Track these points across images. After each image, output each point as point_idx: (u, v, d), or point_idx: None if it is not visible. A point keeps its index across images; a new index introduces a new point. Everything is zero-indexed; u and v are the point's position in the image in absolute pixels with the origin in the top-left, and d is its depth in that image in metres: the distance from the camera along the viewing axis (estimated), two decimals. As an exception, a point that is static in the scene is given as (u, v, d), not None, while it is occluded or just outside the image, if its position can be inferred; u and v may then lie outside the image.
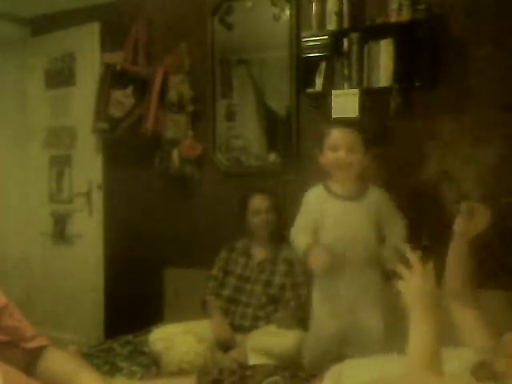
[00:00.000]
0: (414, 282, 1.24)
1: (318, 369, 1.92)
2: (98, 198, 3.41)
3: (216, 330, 2.44)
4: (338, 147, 2.07)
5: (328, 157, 2.10)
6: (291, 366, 2.02)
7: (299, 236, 2.17)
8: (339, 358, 1.95)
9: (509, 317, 2.10)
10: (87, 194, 3.43)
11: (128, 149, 3.18)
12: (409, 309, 1.25)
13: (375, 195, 2.14)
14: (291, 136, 2.78)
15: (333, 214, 2.12)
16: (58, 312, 3.53)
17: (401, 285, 1.26)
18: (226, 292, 2.58)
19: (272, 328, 2.40)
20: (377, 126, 2.44)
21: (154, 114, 3.00)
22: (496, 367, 1.30)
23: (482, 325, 1.61)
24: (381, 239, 2.14)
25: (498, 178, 2.25)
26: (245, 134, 2.96)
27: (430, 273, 1.25)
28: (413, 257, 1.25)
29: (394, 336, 2.13)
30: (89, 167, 3.43)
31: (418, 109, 2.43)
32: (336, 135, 2.10)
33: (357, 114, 2.34)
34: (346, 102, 2.39)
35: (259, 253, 2.61)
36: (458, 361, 1.35)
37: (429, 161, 2.39)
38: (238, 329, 2.48)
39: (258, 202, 2.59)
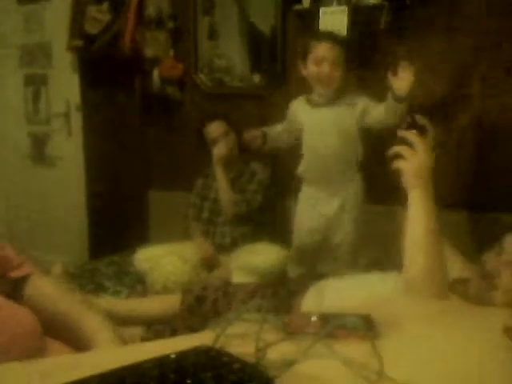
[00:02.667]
0: (416, 159, 1.29)
1: (301, 286, 1.98)
2: (76, 118, 3.33)
3: (200, 251, 2.49)
4: (323, 61, 2.08)
5: (311, 70, 2.12)
6: (274, 284, 2.08)
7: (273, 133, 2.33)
8: (320, 276, 2.02)
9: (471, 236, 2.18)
10: (65, 115, 3.34)
11: (107, 68, 3.07)
12: (410, 187, 1.30)
13: (359, 101, 2.15)
14: (276, 56, 2.69)
15: (308, 119, 2.20)
16: (41, 233, 3.54)
17: (402, 164, 1.30)
18: (205, 215, 2.63)
19: (255, 246, 2.44)
20: (365, 45, 2.39)
21: (131, 30, 2.86)
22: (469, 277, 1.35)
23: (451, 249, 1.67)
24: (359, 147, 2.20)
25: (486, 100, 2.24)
26: (228, 54, 2.86)
27: (428, 149, 1.31)
28: (412, 136, 1.31)
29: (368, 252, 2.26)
30: (66, 87, 3.32)
31: (407, 27, 2.35)
32: (321, 49, 2.09)
33: (345, 32, 2.26)
34: (334, 20, 2.29)
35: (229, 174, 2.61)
36: None
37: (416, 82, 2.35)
38: (220, 248, 2.53)
39: (214, 129, 2.55)
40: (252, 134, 2.32)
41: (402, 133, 1.33)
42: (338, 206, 2.22)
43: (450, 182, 2.23)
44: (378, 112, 2.09)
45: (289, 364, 0.68)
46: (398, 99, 1.94)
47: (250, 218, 2.54)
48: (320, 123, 2.17)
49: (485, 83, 2.26)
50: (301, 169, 2.28)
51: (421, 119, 1.62)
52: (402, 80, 1.92)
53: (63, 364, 0.81)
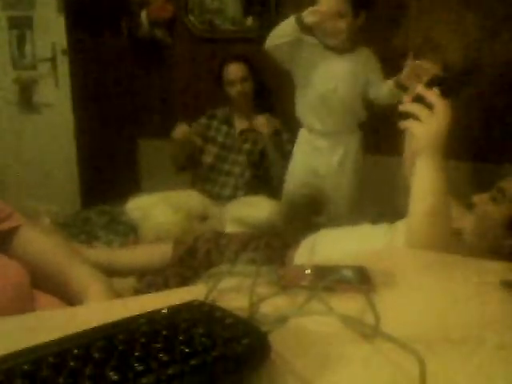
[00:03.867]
0: (433, 124, 1.09)
1: (293, 237, 1.98)
2: (63, 63, 3.22)
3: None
4: (326, 14, 1.98)
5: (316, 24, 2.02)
6: (267, 235, 2.07)
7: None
8: (313, 227, 2.01)
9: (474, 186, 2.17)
10: (52, 60, 3.24)
11: (93, 10, 2.95)
12: (422, 153, 1.13)
13: (364, 53, 2.13)
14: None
15: (327, 65, 2.12)
16: (31, 183, 3.50)
17: (416, 126, 1.10)
18: (208, 159, 2.56)
19: (249, 198, 2.43)
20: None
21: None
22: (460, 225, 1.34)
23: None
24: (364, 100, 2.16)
25: (483, 46, 2.18)
26: (220, -5, 2.75)
27: (449, 112, 1.10)
28: (433, 95, 1.09)
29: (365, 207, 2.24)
30: (52, 30, 3.19)
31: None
32: (324, 1, 1.99)
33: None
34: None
35: (241, 123, 2.56)
36: None
37: (414, 26, 2.28)
38: (217, 197, 2.50)
39: (233, 71, 2.47)
40: None
41: (421, 89, 1.10)
42: (337, 161, 2.19)
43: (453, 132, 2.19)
44: (378, 92, 2.08)
45: (283, 319, 0.67)
46: (401, 88, 1.88)
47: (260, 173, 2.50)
48: (334, 69, 2.10)
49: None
50: (301, 110, 2.20)
51: (447, 77, 1.46)
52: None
53: (52, 319, 0.79)
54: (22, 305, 0.90)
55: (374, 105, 2.13)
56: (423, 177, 1.13)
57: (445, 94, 1.10)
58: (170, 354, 0.54)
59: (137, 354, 0.55)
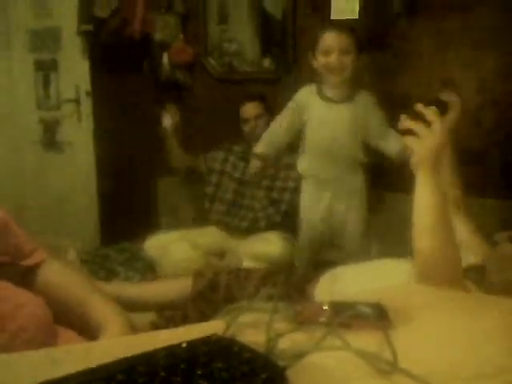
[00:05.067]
0: (430, 140, 1.16)
1: (313, 273, 1.98)
2: (86, 104, 3.31)
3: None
4: (331, 51, 2.04)
5: (320, 60, 2.08)
6: (285, 271, 2.07)
7: (262, 140, 2.26)
8: (329, 264, 2.01)
9: (493, 224, 2.15)
10: (76, 101, 3.33)
11: (116, 53, 3.05)
12: (419, 168, 1.20)
13: (363, 98, 2.14)
14: (287, 40, 2.66)
15: (319, 114, 2.14)
16: (52, 220, 3.55)
17: (414, 142, 1.18)
18: (227, 195, 2.60)
19: (264, 235, 2.44)
20: (378, 28, 2.36)
21: (140, 14, 2.84)
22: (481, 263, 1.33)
23: (472, 232, 1.63)
24: (365, 144, 2.17)
25: (499, 83, 2.20)
26: (238, 38, 2.83)
27: (445, 130, 1.18)
28: (431, 113, 1.17)
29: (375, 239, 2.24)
30: (76, 72, 3.30)
31: (421, 10, 2.31)
32: (328, 38, 2.05)
33: (357, 15, 2.23)
34: (345, 3, 2.26)
35: (257, 160, 2.58)
36: None
37: (430, 65, 2.32)
38: (234, 229, 2.52)
39: (248, 109, 2.55)
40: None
41: (420, 107, 1.18)
42: (344, 205, 2.20)
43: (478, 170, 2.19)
44: (386, 145, 2.10)
45: (300, 355, 0.67)
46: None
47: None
48: (335, 119, 2.12)
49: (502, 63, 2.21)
50: (303, 166, 2.24)
51: (445, 96, 1.47)
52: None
53: (73, 352, 0.80)
54: (45, 339, 0.92)
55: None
56: (423, 191, 1.19)
57: (443, 111, 1.19)
58: None
59: None
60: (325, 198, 2.21)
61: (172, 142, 2.70)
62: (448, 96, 1.59)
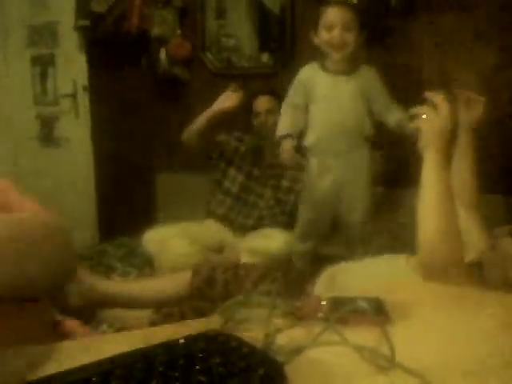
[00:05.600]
0: (437, 121, 1.28)
1: (310, 270, 1.98)
2: (84, 99, 3.31)
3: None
4: (333, 26, 2.03)
5: (323, 36, 2.07)
6: (284, 266, 2.07)
7: (282, 124, 2.18)
8: (330, 260, 2.00)
9: (503, 220, 2.14)
10: (73, 96, 3.32)
11: (113, 48, 3.04)
12: (426, 147, 1.29)
13: (366, 72, 2.13)
14: (285, 35, 2.65)
15: (324, 88, 2.12)
16: (50, 215, 3.54)
17: (423, 121, 1.30)
18: (233, 188, 2.57)
19: (264, 230, 2.43)
20: (377, 23, 2.36)
21: (138, 9, 2.83)
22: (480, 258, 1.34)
23: (480, 227, 1.63)
24: (369, 116, 2.15)
25: (499, 78, 2.20)
26: (236, 33, 2.83)
27: (452, 114, 1.30)
28: (438, 97, 1.30)
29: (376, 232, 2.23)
30: (73, 67, 3.29)
31: (420, 4, 2.31)
32: (331, 13, 2.05)
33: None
34: None
35: (270, 156, 2.56)
36: None
37: (429, 59, 2.32)
38: (239, 227, 2.51)
39: (260, 103, 2.53)
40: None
41: (429, 94, 1.31)
42: (349, 174, 2.17)
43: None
44: (387, 116, 2.10)
45: (298, 350, 0.67)
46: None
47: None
48: (339, 92, 2.11)
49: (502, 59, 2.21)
50: (310, 140, 2.19)
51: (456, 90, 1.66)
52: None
53: (71, 348, 0.80)
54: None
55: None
56: (429, 171, 1.27)
57: (450, 99, 1.31)
58: (188, 383, 0.55)
59: (154, 382, 0.56)
60: (331, 171, 2.18)
61: (210, 120, 2.50)
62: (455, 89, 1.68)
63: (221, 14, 2.83)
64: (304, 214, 2.29)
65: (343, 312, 0.77)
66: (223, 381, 0.56)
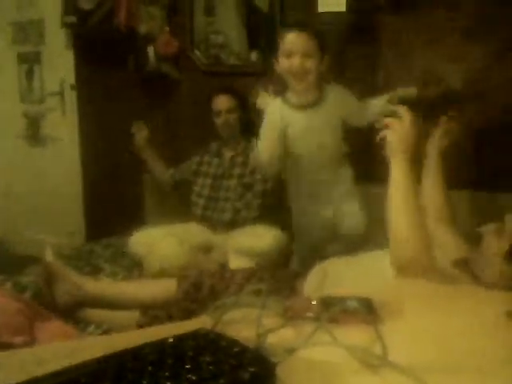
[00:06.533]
0: (401, 130, 1.37)
1: (301, 267, 1.97)
2: (71, 97, 3.28)
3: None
4: (293, 53, 1.93)
5: (283, 64, 1.97)
6: (271, 266, 2.06)
7: (263, 147, 2.08)
8: (322, 257, 2.00)
9: (475, 216, 2.17)
10: (60, 94, 3.29)
11: (101, 45, 3.01)
12: (391, 155, 1.38)
13: (334, 93, 2.05)
14: (274, 33, 2.63)
15: (296, 125, 2.04)
16: (36, 214, 3.52)
17: (388, 133, 1.38)
18: (204, 191, 2.61)
19: (252, 228, 2.42)
20: (364, 20, 2.34)
21: (126, 5, 2.80)
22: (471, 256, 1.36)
23: (457, 238, 1.67)
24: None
25: (485, 76, 2.20)
26: (225, 31, 2.80)
27: (415, 123, 1.39)
28: (402, 109, 1.39)
29: (373, 231, 2.23)
30: (60, 65, 3.27)
31: (406, 2, 2.31)
32: (290, 40, 1.94)
33: (344, 8, 2.21)
34: (332, -5, 2.25)
35: (229, 151, 2.62)
36: None
37: (415, 59, 2.32)
38: (218, 222, 2.51)
39: (220, 102, 2.54)
40: None
41: (392, 106, 1.44)
42: (337, 199, 2.15)
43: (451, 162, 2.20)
44: (362, 119, 2.07)
45: (290, 351, 0.66)
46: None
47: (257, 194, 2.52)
48: (311, 127, 2.03)
49: (487, 57, 2.21)
50: (290, 177, 2.19)
51: (409, 91, 1.87)
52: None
53: (59, 351, 0.79)
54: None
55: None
56: (395, 173, 1.36)
57: (411, 109, 1.40)
58: (178, 382, 0.55)
59: (145, 382, 0.55)
60: (318, 198, 2.15)
61: (149, 155, 2.74)
62: (410, 91, 1.93)
63: (209, 10, 2.81)
64: (300, 250, 2.29)
65: (334, 311, 0.77)
66: (214, 379, 0.56)
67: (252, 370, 0.58)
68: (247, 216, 2.49)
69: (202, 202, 2.60)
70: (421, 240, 1.30)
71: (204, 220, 2.56)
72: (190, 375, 0.56)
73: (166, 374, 0.56)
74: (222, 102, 2.55)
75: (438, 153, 1.86)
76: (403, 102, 1.49)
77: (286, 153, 2.08)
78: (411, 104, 1.45)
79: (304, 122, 2.04)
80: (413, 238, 1.29)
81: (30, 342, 0.88)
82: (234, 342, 0.66)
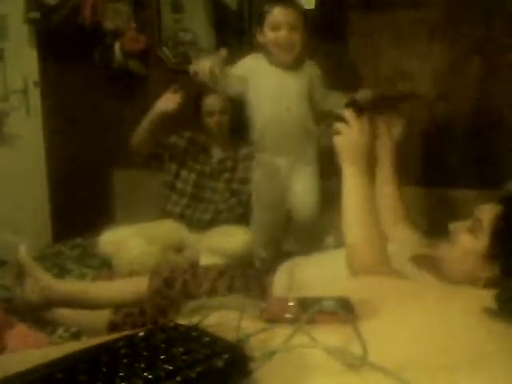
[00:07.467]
0: (349, 135, 1.33)
1: (270, 265, 1.98)
2: (35, 95, 3.20)
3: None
4: (280, 26, 2.02)
5: (269, 36, 2.05)
6: (242, 264, 2.06)
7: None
8: (287, 254, 2.01)
9: (433, 212, 2.21)
10: (24, 92, 3.21)
11: (65, 42, 2.94)
12: (343, 162, 1.35)
13: (310, 68, 2.14)
14: (243, 30, 2.63)
15: (269, 82, 2.10)
16: (1, 215, 3.42)
17: (337, 139, 1.35)
18: (188, 188, 2.54)
19: (224, 228, 2.41)
20: (334, 18, 2.37)
21: (91, 1, 2.75)
22: (436, 253, 1.37)
23: (416, 234, 1.70)
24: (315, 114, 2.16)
25: (452, 76, 2.24)
26: (193, 28, 2.78)
27: (364, 128, 1.35)
28: (348, 113, 1.34)
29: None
30: (23, 62, 3.18)
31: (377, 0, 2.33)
32: (277, 13, 2.03)
33: (313, 5, 2.22)
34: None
35: (218, 153, 2.57)
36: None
37: (384, 57, 2.34)
38: (197, 222, 2.48)
39: (212, 103, 2.48)
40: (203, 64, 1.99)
41: (339, 111, 1.37)
42: (298, 174, 2.18)
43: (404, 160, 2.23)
44: (325, 100, 2.12)
45: (269, 354, 0.65)
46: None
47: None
48: (284, 88, 2.09)
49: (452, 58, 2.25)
50: (257, 135, 2.18)
51: (363, 98, 1.81)
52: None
53: (28, 358, 0.76)
54: None
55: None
56: (347, 181, 1.33)
57: (358, 113, 1.35)
58: (155, 373, 0.56)
59: (121, 374, 0.56)
60: (280, 169, 2.17)
61: (152, 124, 2.47)
62: (363, 94, 1.89)
63: (177, 7, 2.78)
64: (257, 217, 2.28)
65: (312, 312, 0.76)
66: (189, 368, 0.57)
67: (225, 357, 0.60)
68: (227, 218, 2.46)
69: (182, 200, 2.54)
70: (377, 251, 1.28)
71: (182, 218, 2.52)
72: (165, 365, 0.57)
73: (142, 365, 0.57)
74: (214, 102, 2.47)
75: (388, 150, 1.83)
76: (355, 104, 1.40)
77: (255, 111, 2.13)
78: (364, 107, 1.41)
79: (277, 80, 2.09)
80: (369, 250, 1.27)
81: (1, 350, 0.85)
82: (203, 333, 0.67)
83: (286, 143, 2.14)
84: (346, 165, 1.34)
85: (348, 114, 1.34)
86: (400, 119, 1.88)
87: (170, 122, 2.47)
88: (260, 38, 2.09)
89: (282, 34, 2.01)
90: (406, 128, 1.89)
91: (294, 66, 2.10)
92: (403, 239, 1.65)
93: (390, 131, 1.85)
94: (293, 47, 2.05)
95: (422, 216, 2.12)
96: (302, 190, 2.20)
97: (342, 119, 1.35)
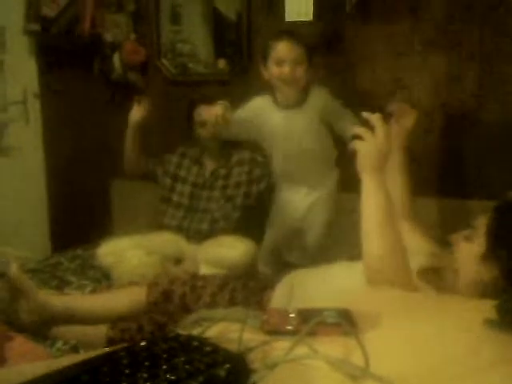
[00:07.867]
0: (374, 141, 1.27)
1: (271, 278, 1.97)
2: (34, 106, 3.21)
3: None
4: (284, 61, 2.02)
5: (273, 71, 2.06)
6: (243, 276, 2.05)
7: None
8: (289, 267, 2.01)
9: (443, 222, 2.20)
10: (23, 103, 3.22)
11: (65, 53, 2.96)
12: (363, 169, 1.29)
13: (318, 96, 2.14)
14: (241, 41, 2.64)
15: (274, 125, 2.13)
16: (0, 227, 3.41)
17: (359, 144, 1.29)
18: (183, 200, 2.55)
19: (223, 239, 2.40)
20: (331, 30, 2.37)
21: (90, 13, 2.77)
22: (440, 264, 1.36)
23: (421, 235, 1.68)
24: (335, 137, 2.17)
25: (449, 86, 2.25)
26: (192, 39, 2.80)
27: (388, 135, 1.29)
28: (375, 118, 1.28)
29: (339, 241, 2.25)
30: (23, 73, 3.20)
31: (374, 12, 2.34)
32: (281, 49, 2.03)
33: (311, 17, 2.24)
34: (299, 5, 2.27)
35: (211, 163, 2.57)
36: None
37: (381, 67, 2.35)
38: (195, 232, 2.48)
39: (206, 113, 2.48)
40: (215, 109, 2.08)
41: (366, 114, 1.31)
42: (312, 201, 2.22)
43: (418, 170, 2.23)
44: (345, 126, 2.09)
45: (271, 366, 0.65)
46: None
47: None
48: (292, 127, 2.11)
49: (452, 67, 2.26)
50: (275, 168, 2.27)
51: (391, 106, 1.72)
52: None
53: (28, 371, 0.75)
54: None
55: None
56: (368, 193, 1.28)
57: (386, 119, 1.31)
58: (157, 383, 0.56)
59: None
60: (301, 197, 2.22)
61: (134, 139, 2.56)
62: (394, 106, 1.79)
63: (176, 19, 2.80)
64: (269, 237, 2.33)
65: (312, 324, 0.76)
66: (191, 378, 0.57)
67: (227, 366, 0.60)
68: (224, 227, 2.46)
69: (179, 213, 2.55)
70: (397, 259, 1.24)
71: (180, 230, 2.51)
72: (167, 375, 0.57)
73: (144, 375, 0.57)
74: (208, 113, 2.43)
75: (399, 138, 1.79)
76: (384, 111, 1.39)
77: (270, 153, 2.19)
78: (386, 114, 1.38)
79: (282, 121, 2.11)
80: (388, 259, 1.23)
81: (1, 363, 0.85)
82: (204, 342, 0.67)
83: (304, 175, 2.20)
84: (365, 172, 1.30)
85: (375, 119, 1.29)
86: (411, 109, 1.85)
87: (165, 135, 2.50)
88: (264, 73, 2.11)
89: (287, 69, 2.02)
90: (417, 117, 1.85)
91: (300, 101, 2.11)
92: (413, 249, 1.63)
93: (402, 120, 1.81)
94: (297, 82, 2.05)
95: (440, 227, 2.11)
96: (317, 212, 2.23)
97: (367, 124, 1.29)
